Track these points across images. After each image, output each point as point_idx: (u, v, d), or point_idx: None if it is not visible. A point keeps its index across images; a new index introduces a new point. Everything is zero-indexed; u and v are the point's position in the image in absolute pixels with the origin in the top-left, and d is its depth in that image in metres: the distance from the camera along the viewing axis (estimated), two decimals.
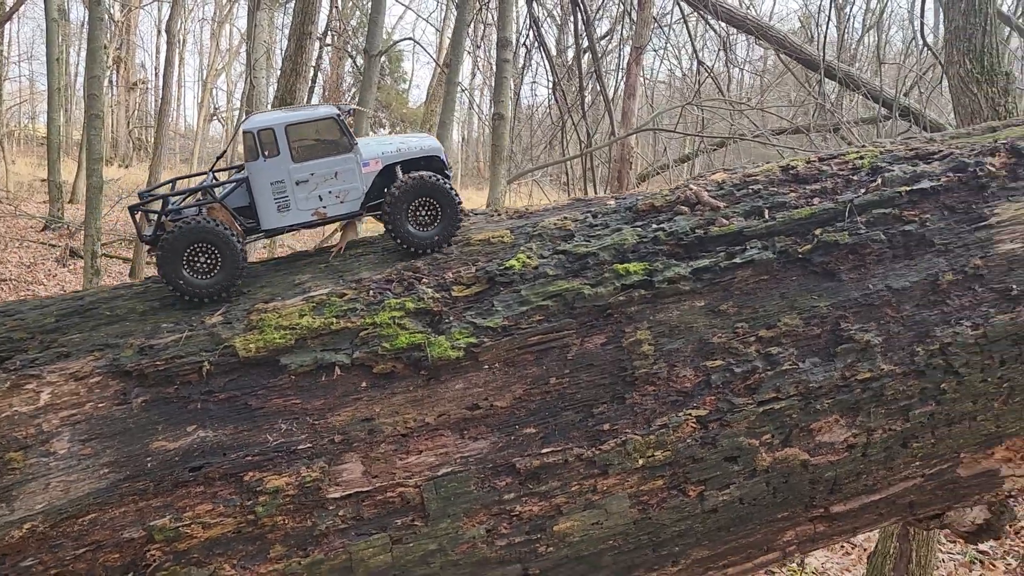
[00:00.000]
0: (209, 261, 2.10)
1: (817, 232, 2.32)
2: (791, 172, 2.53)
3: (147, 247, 2.20)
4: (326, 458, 1.97)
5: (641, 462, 2.10)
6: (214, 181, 2.34)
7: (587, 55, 11.55)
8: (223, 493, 1.91)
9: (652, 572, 2.21)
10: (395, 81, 29.12)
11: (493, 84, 10.78)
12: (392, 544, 1.96)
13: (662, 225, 2.33)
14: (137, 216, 2.25)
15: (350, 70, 25.65)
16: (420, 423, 2.03)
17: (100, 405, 1.94)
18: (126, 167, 29.34)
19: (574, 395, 2.12)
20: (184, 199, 2.33)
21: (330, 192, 2.25)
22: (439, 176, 2.28)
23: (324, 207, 2.25)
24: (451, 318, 2.12)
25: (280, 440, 1.96)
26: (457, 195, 2.28)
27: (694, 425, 2.13)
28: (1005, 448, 2.42)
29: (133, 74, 34.56)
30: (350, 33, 23.38)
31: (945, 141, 2.73)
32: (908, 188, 2.43)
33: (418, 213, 2.26)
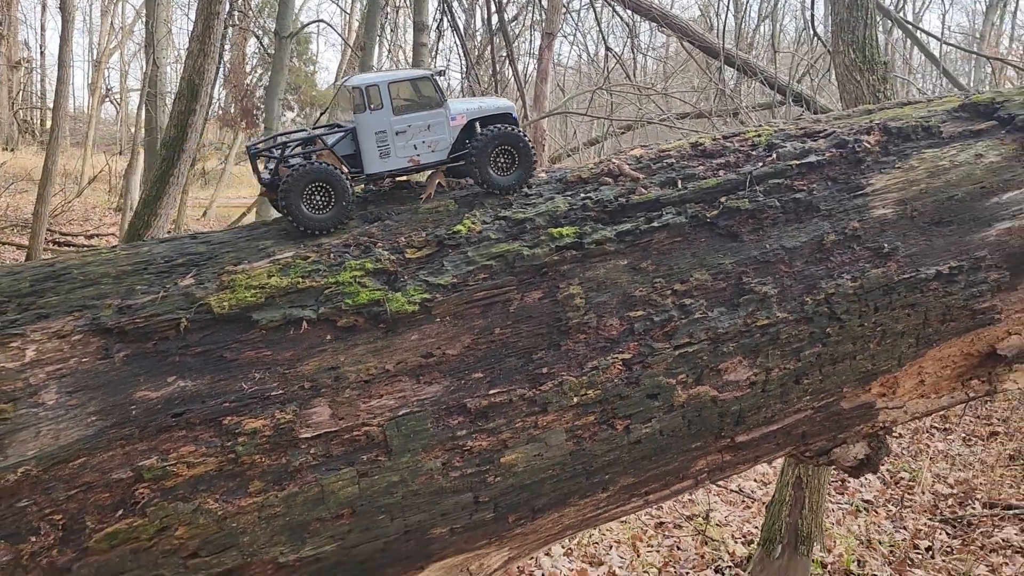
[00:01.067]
0: (324, 199, 2.42)
1: (722, 199, 2.67)
2: (699, 148, 2.87)
3: (262, 188, 2.56)
4: (297, 403, 2.18)
5: (575, 400, 2.40)
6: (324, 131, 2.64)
7: (499, 39, 11.80)
8: (204, 436, 2.10)
9: (586, 498, 2.53)
10: (303, 63, 28.64)
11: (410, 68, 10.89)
12: (359, 477, 2.20)
13: (589, 194, 2.63)
14: (258, 162, 2.61)
15: (255, 51, 25.13)
16: (381, 370, 2.27)
17: (84, 360, 2.09)
18: (11, 151, 27.88)
19: (516, 343, 2.40)
20: (295, 148, 2.63)
21: (423, 142, 2.58)
22: (516, 128, 2.63)
23: (418, 155, 2.59)
24: (406, 277, 2.36)
25: (254, 388, 2.16)
26: (532, 145, 2.64)
27: (620, 367, 2.45)
28: (879, 384, 2.84)
29: (16, 52, 32.72)
30: (254, 13, 22.88)
31: (830, 122, 3.13)
32: (798, 162, 2.80)
33: (498, 160, 2.58)
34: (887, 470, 8.90)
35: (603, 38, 11.93)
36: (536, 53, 12.11)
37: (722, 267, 2.60)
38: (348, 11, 23.50)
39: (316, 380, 2.22)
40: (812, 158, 2.82)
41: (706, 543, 7.16)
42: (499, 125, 2.63)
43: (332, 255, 2.37)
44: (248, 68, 25.94)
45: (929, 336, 2.80)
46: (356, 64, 16.42)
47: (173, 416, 2.09)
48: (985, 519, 7.60)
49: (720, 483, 8.19)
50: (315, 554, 2.19)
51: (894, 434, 10.24)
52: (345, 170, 2.51)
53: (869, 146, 2.90)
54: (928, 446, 9.68)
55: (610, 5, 12.08)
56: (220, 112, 25.23)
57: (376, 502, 2.22)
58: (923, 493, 8.26)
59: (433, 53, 13.03)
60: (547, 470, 2.40)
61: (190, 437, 2.09)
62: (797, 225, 2.72)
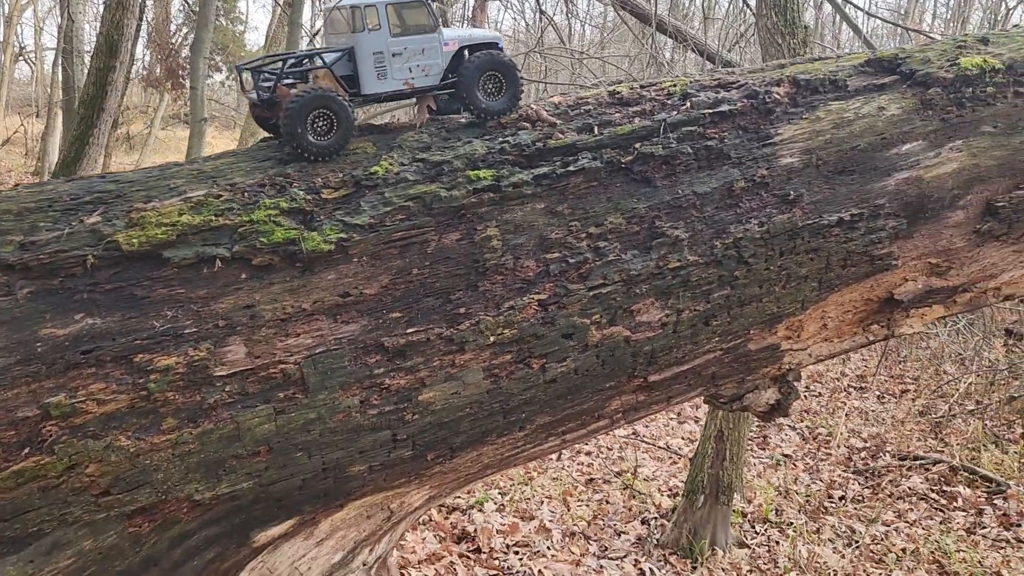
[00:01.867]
0: (326, 124, 2.43)
1: (637, 146, 2.73)
2: (616, 96, 2.92)
3: (254, 106, 2.59)
4: (211, 341, 2.18)
5: (492, 339, 2.45)
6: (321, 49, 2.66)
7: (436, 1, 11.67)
8: (115, 373, 2.08)
9: (503, 437, 2.59)
10: (231, 22, 27.73)
11: None
12: (276, 414, 2.21)
13: (507, 138, 2.66)
14: (243, 78, 2.65)
15: (180, 8, 24.22)
16: (297, 309, 2.28)
17: None
18: None
19: (434, 284, 2.43)
20: (291, 64, 2.65)
21: (418, 65, 2.63)
22: (504, 54, 2.71)
23: (412, 78, 2.63)
24: (322, 217, 2.36)
25: (167, 326, 2.15)
26: (520, 71, 2.70)
27: (536, 307, 2.50)
28: (784, 327, 2.97)
29: None
30: None
31: (743, 74, 3.21)
32: (711, 111, 2.88)
33: (487, 85, 2.64)
34: (806, 426, 9.28)
35: (538, 3, 11.88)
36: (471, 16, 12.00)
37: (636, 211, 2.67)
38: None
39: (231, 318, 2.21)
40: (724, 107, 2.90)
41: (634, 497, 7.38)
42: (487, 51, 2.69)
43: (246, 194, 2.35)
44: (173, 27, 25.00)
45: (831, 280, 2.93)
46: (285, 21, 16.03)
47: (82, 353, 2.06)
48: (894, 469, 8.01)
49: (648, 440, 8.43)
50: (231, 491, 2.21)
51: (814, 393, 10.68)
52: (344, 92, 2.51)
53: (779, 97, 2.99)
54: (845, 403, 10.11)
55: None
56: (144, 73, 24.29)
57: (293, 439, 2.24)
58: (839, 447, 8.65)
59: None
60: (464, 408, 2.45)
61: (100, 374, 2.07)
62: (708, 172, 2.80)
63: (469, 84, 2.63)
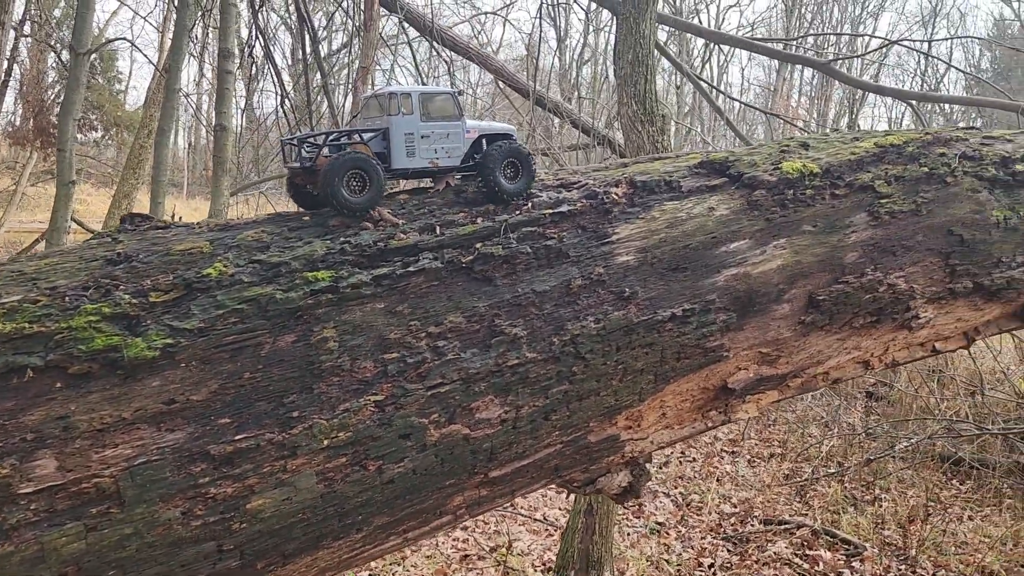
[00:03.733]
0: (359, 184, 2.74)
1: (478, 246, 2.81)
2: (462, 195, 3.01)
3: (294, 176, 2.97)
4: (17, 455, 2.06)
5: (326, 442, 2.43)
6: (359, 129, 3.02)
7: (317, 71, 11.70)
8: None
9: (339, 540, 2.55)
10: (108, 81, 26.87)
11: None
12: (87, 532, 2.11)
13: (349, 238, 2.69)
14: (285, 150, 3.10)
15: (54, 65, 23.33)
16: (117, 419, 2.20)
17: None
18: None
19: (267, 387, 2.40)
20: (332, 138, 2.98)
21: (443, 147, 3.01)
22: (521, 144, 3.10)
23: (437, 158, 3.01)
24: (148, 321, 2.31)
25: None
26: (534, 159, 3.09)
27: (373, 408, 2.51)
28: (624, 418, 3.07)
29: None
30: (53, 25, 21.30)
31: (587, 173, 3.38)
32: (551, 211, 3.01)
33: (507, 171, 2.99)
34: (680, 493, 9.51)
35: (419, 73, 12.12)
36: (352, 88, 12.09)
37: (476, 310, 2.74)
38: (161, 30, 22.34)
39: (42, 431, 2.11)
40: (564, 208, 3.04)
41: (507, 573, 7.32)
42: (502, 142, 3.06)
43: (67, 298, 2.27)
44: (47, 83, 24.01)
45: (667, 372, 3.07)
46: (162, 85, 15.65)
47: None
48: (760, 535, 8.29)
49: (525, 513, 8.43)
50: None
51: (689, 458, 10.98)
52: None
53: (616, 198, 3.16)
54: (717, 468, 10.43)
55: (428, 42, 12.32)
56: (12, 128, 23.15)
57: (106, 557, 2.13)
58: (710, 513, 8.89)
59: (248, 80, 12.70)
60: (297, 514, 2.41)
61: None
62: (548, 270, 2.91)
63: (493, 168, 2.97)
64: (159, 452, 2.23)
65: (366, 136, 2.95)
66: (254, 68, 12.36)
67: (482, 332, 2.73)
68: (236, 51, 9.71)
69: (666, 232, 3.16)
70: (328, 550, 2.54)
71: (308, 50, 11.37)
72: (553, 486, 3.35)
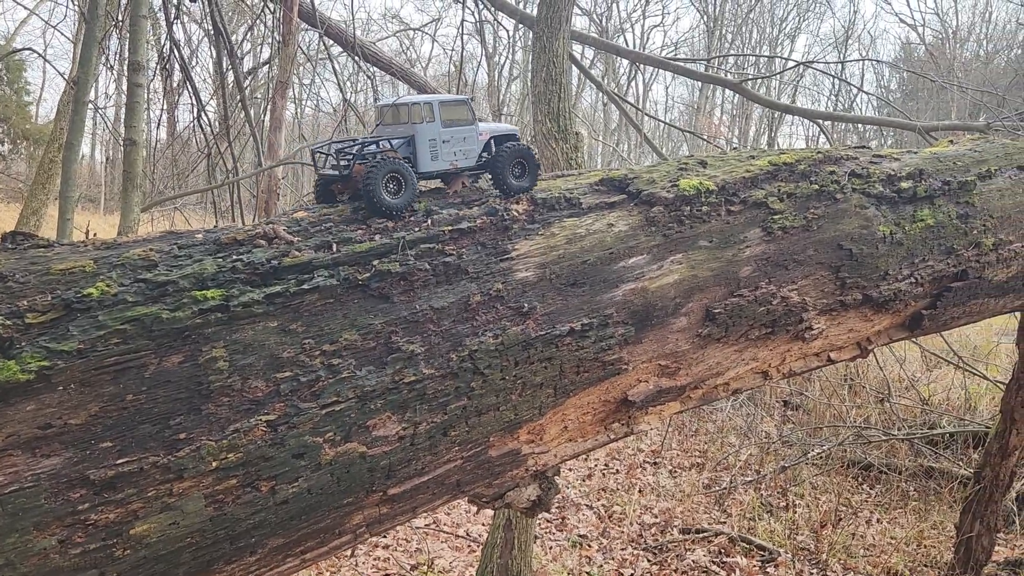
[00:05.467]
0: (396, 186, 2.98)
1: (375, 263, 2.81)
2: (360, 212, 3.01)
3: (327, 181, 3.20)
4: None
5: (215, 464, 2.38)
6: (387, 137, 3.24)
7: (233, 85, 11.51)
8: None
9: (231, 564, 2.50)
10: (16, 92, 25.81)
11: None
12: None
13: (241, 256, 2.65)
14: (316, 158, 3.27)
15: None
16: None
17: None
18: None
19: (151, 409, 2.34)
20: (364, 148, 3.17)
21: (460, 150, 3.28)
22: (527, 145, 3.36)
23: (456, 160, 3.27)
24: (23, 343, 2.23)
25: None
26: (539, 158, 3.38)
27: (265, 428, 2.47)
28: (525, 432, 3.10)
29: None
30: None
31: (488, 191, 3.41)
32: (451, 228, 3.03)
33: (514, 169, 3.27)
34: (603, 505, 9.61)
35: (340, 89, 12.04)
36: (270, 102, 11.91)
37: (372, 327, 2.73)
38: (74, 40, 21.58)
39: None
40: (464, 224, 3.06)
41: None
42: (511, 143, 3.33)
43: None
44: None
45: (566, 386, 3.12)
46: (70, 98, 15.11)
47: None
48: (679, 544, 8.43)
49: (447, 529, 8.39)
50: None
51: (612, 470, 11.11)
52: None
53: (517, 214, 3.20)
54: (640, 479, 10.59)
55: (351, 56, 12.25)
56: None
57: None
58: (631, 524, 9.00)
59: (166, 92, 12.37)
60: (185, 538, 2.35)
61: None
62: (447, 286, 2.92)
63: (503, 168, 3.25)
64: (33, 479, 2.15)
65: (395, 143, 3.19)
66: (169, 81, 12.08)
67: (378, 349, 2.72)
68: (146, 64, 9.46)
69: (565, 248, 3.22)
70: (220, 574, 2.48)
71: (225, 64, 11.17)
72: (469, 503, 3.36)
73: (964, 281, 4.46)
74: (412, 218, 3.04)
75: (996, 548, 7.24)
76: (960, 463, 10.19)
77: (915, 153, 4.84)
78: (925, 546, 8.43)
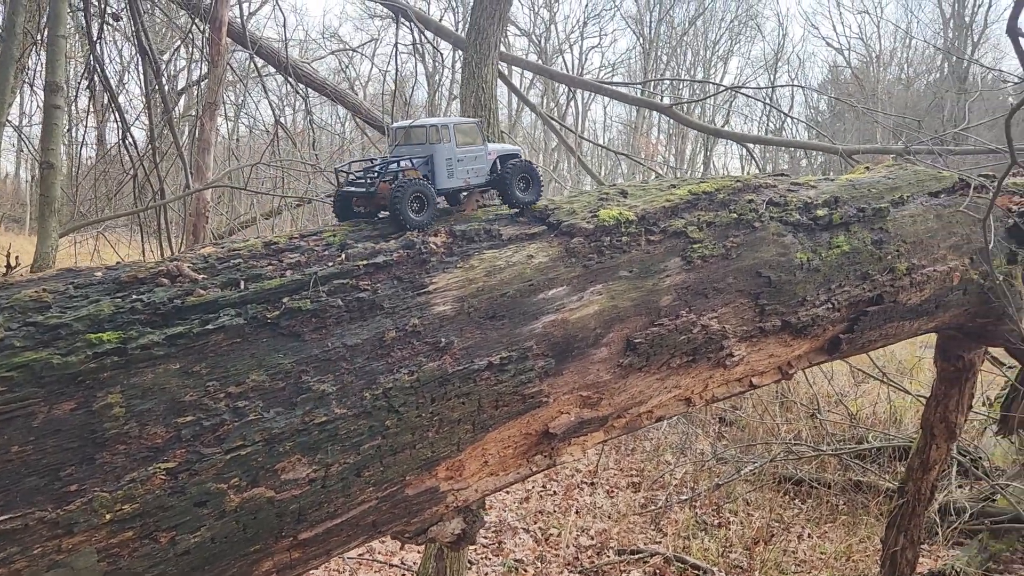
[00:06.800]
0: (419, 205, 3.22)
1: (285, 300, 2.74)
2: (272, 246, 2.93)
3: (347, 197, 3.41)
4: None
5: (108, 516, 2.26)
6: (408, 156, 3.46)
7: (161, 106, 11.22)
8: None
9: None
10: None
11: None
12: None
13: (141, 296, 2.55)
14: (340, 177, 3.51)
15: None
16: None
17: None
18: None
19: (39, 461, 2.22)
20: (387, 168, 3.37)
21: (472, 168, 3.52)
22: (530, 162, 3.64)
23: (469, 178, 3.51)
24: None
25: None
26: (541, 174, 3.61)
27: (164, 477, 2.37)
28: (444, 468, 3.05)
29: None
30: None
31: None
32: (366, 262, 2.97)
33: (520, 184, 3.54)
34: (539, 528, 9.57)
35: (272, 110, 11.85)
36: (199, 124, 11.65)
37: (281, 367, 2.65)
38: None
39: None
40: (380, 258, 3.01)
41: None
42: (515, 160, 3.60)
43: None
44: None
45: (485, 421, 3.08)
46: None
47: None
48: (615, 565, 8.44)
49: (381, 559, 8.23)
50: None
51: (549, 492, 11.08)
52: None
53: (435, 247, 3.16)
54: (577, 500, 10.58)
55: (283, 77, 12.09)
56: None
57: None
58: (568, 547, 8.97)
59: (90, 112, 12.00)
60: None
61: None
62: (361, 323, 2.86)
63: (510, 183, 3.52)
64: None
65: (416, 162, 3.41)
66: (93, 102, 11.73)
67: (288, 390, 2.64)
68: (64, 85, 9.15)
69: (484, 281, 3.19)
70: None
71: (152, 84, 10.89)
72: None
73: (880, 305, 4.58)
74: (326, 252, 2.97)
75: (920, 560, 7.43)
76: (886, 476, 10.46)
77: (832, 180, 4.96)
78: (853, 560, 8.61)
